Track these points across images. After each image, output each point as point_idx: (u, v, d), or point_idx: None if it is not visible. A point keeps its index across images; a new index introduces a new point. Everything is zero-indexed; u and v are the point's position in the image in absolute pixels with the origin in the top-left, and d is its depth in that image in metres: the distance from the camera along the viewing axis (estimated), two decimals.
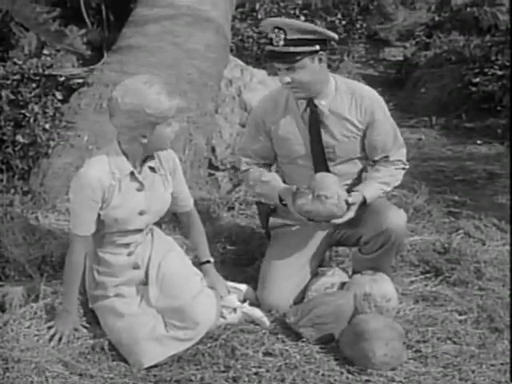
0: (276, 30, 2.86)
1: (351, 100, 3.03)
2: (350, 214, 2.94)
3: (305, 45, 2.88)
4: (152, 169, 2.74)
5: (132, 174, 2.67)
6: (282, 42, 2.86)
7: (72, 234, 2.68)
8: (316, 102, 3.02)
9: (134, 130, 2.57)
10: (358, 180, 3.15)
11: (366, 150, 3.11)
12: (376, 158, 3.12)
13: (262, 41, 7.88)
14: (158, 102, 2.53)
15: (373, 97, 3.08)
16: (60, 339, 2.69)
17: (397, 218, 2.98)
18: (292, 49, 2.86)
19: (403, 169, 3.16)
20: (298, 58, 2.88)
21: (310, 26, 2.95)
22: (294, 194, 2.95)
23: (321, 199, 2.86)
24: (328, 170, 3.04)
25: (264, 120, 3.11)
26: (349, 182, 3.12)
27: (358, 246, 3.10)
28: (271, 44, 2.89)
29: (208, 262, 3.01)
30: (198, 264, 3.00)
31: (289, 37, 2.85)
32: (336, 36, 2.97)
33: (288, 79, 2.91)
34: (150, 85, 2.55)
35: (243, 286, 3.11)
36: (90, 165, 2.64)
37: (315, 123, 3.04)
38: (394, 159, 3.11)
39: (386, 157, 3.10)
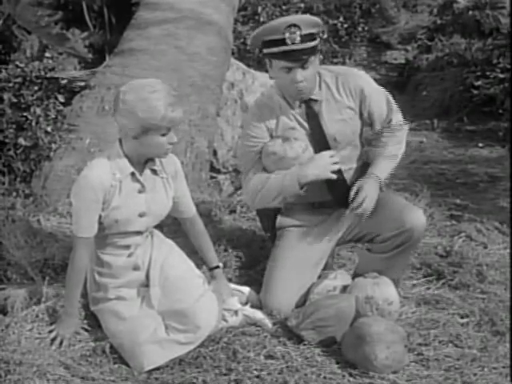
0: (291, 28, 2.85)
1: (337, 83, 3.06)
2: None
3: (315, 39, 2.92)
4: (154, 171, 2.75)
5: (133, 174, 2.68)
6: (298, 39, 2.86)
7: (75, 236, 2.69)
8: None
9: (127, 129, 2.58)
10: (360, 163, 3.16)
11: (364, 129, 3.14)
12: (378, 127, 3.12)
13: None
14: (153, 109, 2.52)
15: (355, 73, 3.12)
16: (61, 343, 2.69)
17: (420, 217, 2.99)
18: (309, 44, 2.88)
19: (404, 130, 3.17)
20: (313, 52, 2.90)
21: (316, 19, 2.97)
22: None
23: (289, 140, 2.97)
24: None
25: (265, 126, 3.09)
26: (352, 165, 3.13)
27: (370, 245, 3.09)
28: (284, 44, 2.87)
29: (217, 267, 3.02)
30: (208, 270, 3.01)
31: (304, 32, 2.86)
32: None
33: (301, 77, 2.92)
34: (153, 90, 2.54)
35: (246, 289, 3.11)
36: (91, 167, 2.65)
37: (313, 116, 3.05)
38: (395, 123, 3.11)
39: (389, 122, 3.10)
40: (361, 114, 3.09)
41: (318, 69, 3.02)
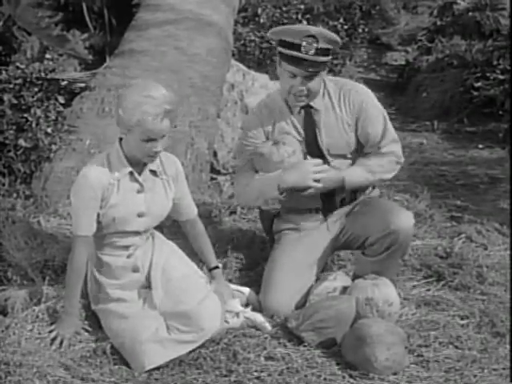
0: (309, 39, 2.88)
1: (339, 95, 3.09)
2: (318, 185, 2.96)
3: (328, 55, 2.95)
4: (153, 172, 2.75)
5: (131, 174, 2.69)
6: (313, 51, 2.89)
7: (74, 235, 2.71)
8: (311, 103, 3.06)
9: (117, 123, 2.62)
10: None
11: (358, 145, 3.12)
12: (368, 151, 3.11)
13: (264, 45, 7.90)
14: (133, 112, 2.53)
15: (359, 90, 3.13)
16: (61, 343, 2.68)
17: (406, 219, 2.98)
18: (321, 58, 2.91)
19: (397, 163, 3.13)
20: (323, 67, 2.94)
21: (336, 37, 3.00)
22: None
23: (278, 144, 2.99)
24: None
25: (262, 127, 3.11)
26: None
27: (362, 249, 3.09)
28: (298, 50, 2.89)
29: (216, 267, 3.02)
30: (208, 270, 3.01)
31: (320, 46, 2.89)
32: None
33: (303, 87, 2.95)
34: (148, 95, 2.54)
35: (246, 290, 3.12)
36: (89, 165, 2.69)
37: (310, 124, 3.07)
38: (386, 151, 3.09)
39: (378, 148, 3.09)
40: (356, 130, 3.09)
41: (323, 78, 3.05)
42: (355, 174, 3.05)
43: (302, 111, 3.08)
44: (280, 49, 2.97)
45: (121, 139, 2.69)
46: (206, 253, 3.01)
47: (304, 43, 2.89)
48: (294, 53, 2.90)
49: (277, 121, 3.10)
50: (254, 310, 2.99)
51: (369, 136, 3.08)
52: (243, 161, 3.16)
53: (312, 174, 2.95)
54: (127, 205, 2.69)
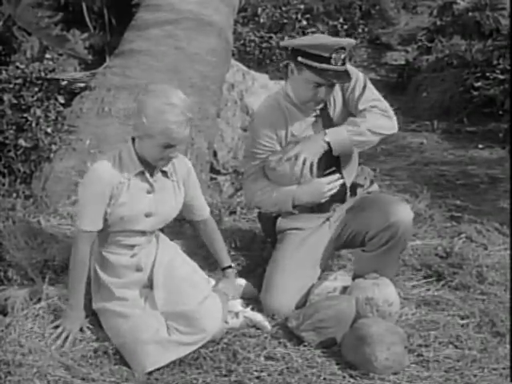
0: (340, 51, 2.91)
1: None
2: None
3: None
4: (164, 173, 2.75)
5: (142, 174, 2.69)
6: (340, 62, 2.92)
7: (77, 229, 2.70)
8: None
9: (134, 127, 2.62)
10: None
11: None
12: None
13: (264, 45, 7.90)
14: (153, 120, 2.53)
15: None
16: (67, 337, 2.68)
17: (405, 212, 3.00)
18: (345, 67, 2.96)
19: (383, 114, 3.05)
20: (348, 76, 2.97)
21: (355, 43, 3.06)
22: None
23: (291, 161, 2.98)
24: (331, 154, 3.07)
25: (275, 132, 3.09)
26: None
27: (363, 247, 3.10)
28: (327, 62, 2.90)
29: (229, 267, 3.04)
30: (221, 269, 3.04)
31: (345, 55, 2.92)
32: None
33: (327, 95, 3.00)
34: (169, 103, 2.53)
35: (242, 281, 3.14)
36: (100, 161, 2.68)
37: (329, 121, 3.08)
38: (366, 107, 3.05)
39: (358, 109, 3.08)
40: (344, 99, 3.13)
41: None
42: (336, 131, 3.01)
43: (318, 111, 3.09)
44: (303, 59, 2.94)
45: (133, 138, 2.69)
46: (220, 252, 3.04)
47: (334, 55, 2.90)
48: (324, 65, 2.91)
49: (290, 125, 3.09)
50: (252, 309, 2.99)
51: (349, 99, 3.09)
52: (253, 168, 3.14)
53: (326, 193, 3.00)
54: (136, 204, 2.69)
